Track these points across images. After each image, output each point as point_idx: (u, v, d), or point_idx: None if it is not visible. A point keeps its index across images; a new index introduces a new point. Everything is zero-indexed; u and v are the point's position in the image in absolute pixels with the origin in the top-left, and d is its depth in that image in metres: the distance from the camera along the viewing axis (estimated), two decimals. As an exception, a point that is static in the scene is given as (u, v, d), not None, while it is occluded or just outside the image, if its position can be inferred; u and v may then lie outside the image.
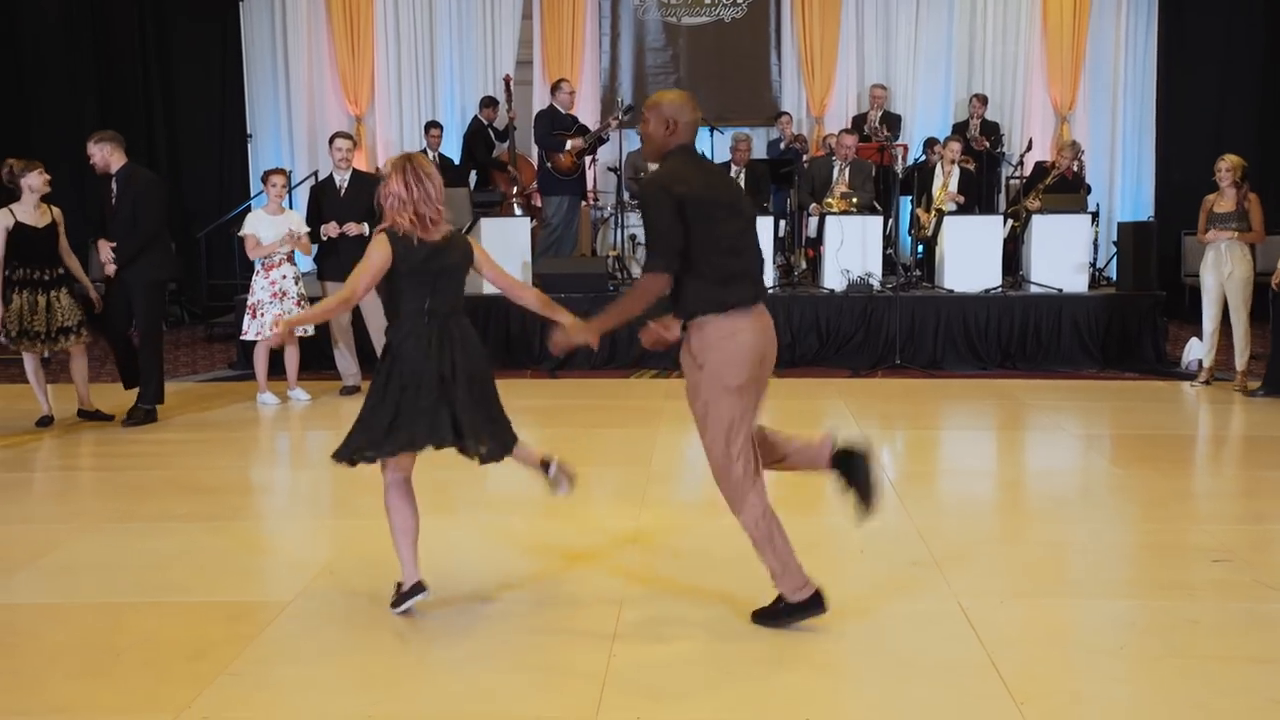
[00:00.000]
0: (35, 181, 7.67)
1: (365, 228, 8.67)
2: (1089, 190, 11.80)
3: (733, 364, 4.08)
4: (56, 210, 7.87)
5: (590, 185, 12.84)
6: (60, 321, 7.78)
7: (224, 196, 12.87)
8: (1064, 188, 11.16)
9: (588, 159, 12.27)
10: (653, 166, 4.31)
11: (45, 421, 7.99)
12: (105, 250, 7.89)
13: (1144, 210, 13.76)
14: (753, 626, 4.34)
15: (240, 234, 8.67)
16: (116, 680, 3.97)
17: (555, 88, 12.01)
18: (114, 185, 7.89)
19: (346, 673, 4.03)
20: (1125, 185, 13.91)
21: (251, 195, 12.34)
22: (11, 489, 6.62)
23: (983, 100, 13.06)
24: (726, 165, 11.51)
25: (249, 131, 13.88)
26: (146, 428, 7.96)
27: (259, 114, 13.99)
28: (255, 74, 13.93)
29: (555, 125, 11.58)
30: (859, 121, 12.89)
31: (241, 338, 9.21)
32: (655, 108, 4.19)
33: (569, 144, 11.42)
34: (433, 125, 12.85)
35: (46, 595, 4.86)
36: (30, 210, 7.68)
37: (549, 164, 11.48)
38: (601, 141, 11.93)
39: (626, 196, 11.81)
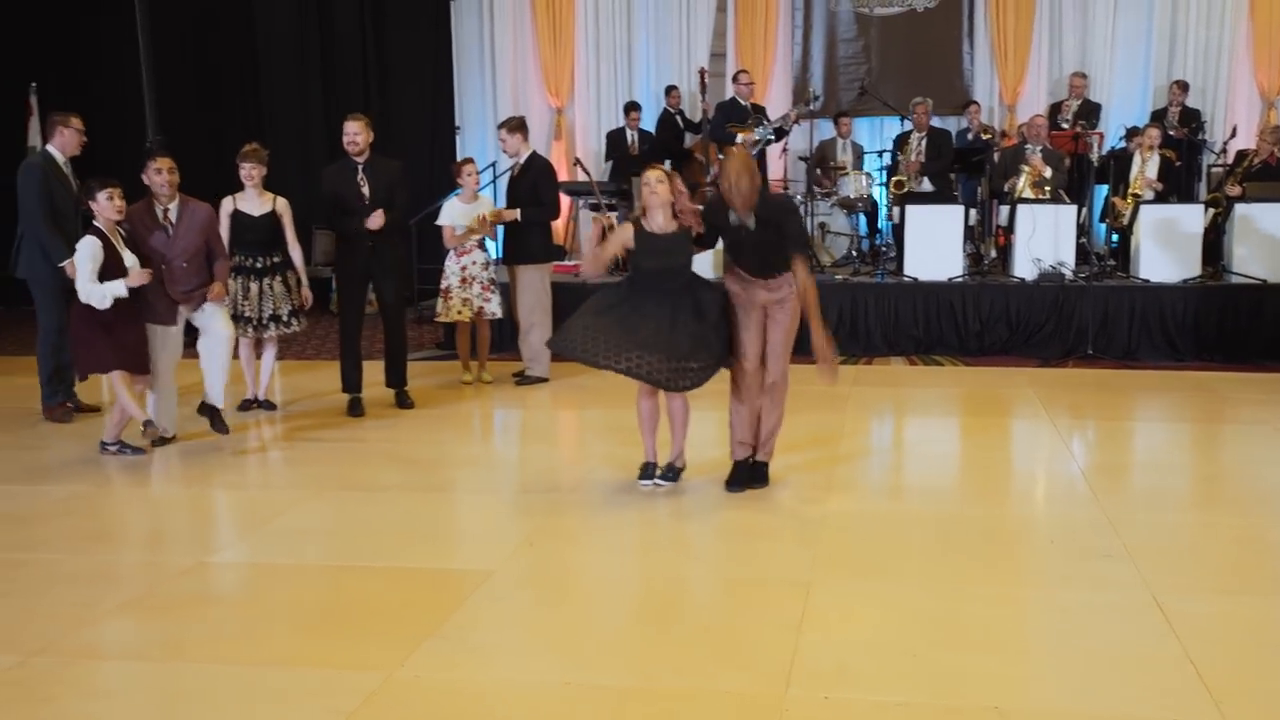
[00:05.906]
0: (250, 172, 7.82)
1: (518, 214, 8.88)
2: (1298, 177, 11.35)
3: None
4: (282, 200, 7.98)
5: (780, 174, 12.92)
6: (272, 309, 7.94)
7: (434, 185, 13.37)
8: (1270, 175, 10.75)
9: (778, 148, 12.32)
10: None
11: (248, 405, 8.15)
12: (378, 219, 7.74)
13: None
14: (940, 610, 4.38)
15: (439, 223, 8.95)
16: (333, 638, 4.23)
17: (734, 79, 12.12)
18: (362, 173, 7.84)
19: (544, 642, 4.20)
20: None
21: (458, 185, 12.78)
22: (250, 457, 7.12)
23: (1183, 87, 12.60)
24: (908, 133, 11.72)
25: (457, 124, 14.41)
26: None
27: (467, 107, 14.48)
28: (464, 69, 14.43)
29: (731, 117, 11.63)
30: (1055, 110, 12.64)
31: (434, 319, 9.56)
32: (747, 169, 5.52)
33: (739, 136, 11.40)
34: (632, 106, 13.11)
35: (274, 556, 5.22)
36: (251, 198, 7.90)
37: (722, 156, 11.49)
38: (783, 133, 11.90)
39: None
